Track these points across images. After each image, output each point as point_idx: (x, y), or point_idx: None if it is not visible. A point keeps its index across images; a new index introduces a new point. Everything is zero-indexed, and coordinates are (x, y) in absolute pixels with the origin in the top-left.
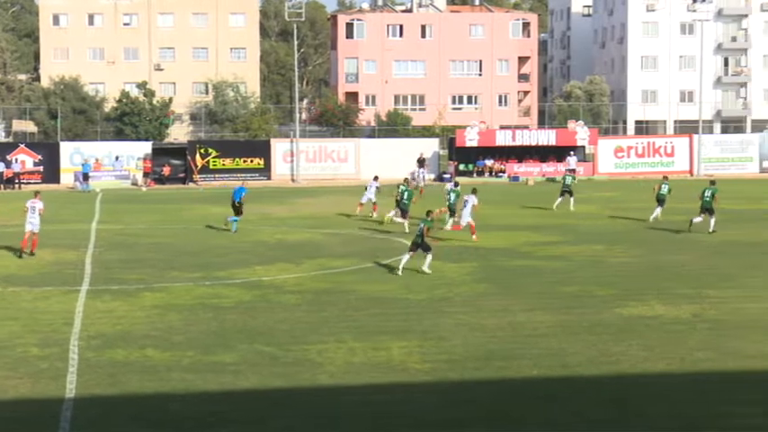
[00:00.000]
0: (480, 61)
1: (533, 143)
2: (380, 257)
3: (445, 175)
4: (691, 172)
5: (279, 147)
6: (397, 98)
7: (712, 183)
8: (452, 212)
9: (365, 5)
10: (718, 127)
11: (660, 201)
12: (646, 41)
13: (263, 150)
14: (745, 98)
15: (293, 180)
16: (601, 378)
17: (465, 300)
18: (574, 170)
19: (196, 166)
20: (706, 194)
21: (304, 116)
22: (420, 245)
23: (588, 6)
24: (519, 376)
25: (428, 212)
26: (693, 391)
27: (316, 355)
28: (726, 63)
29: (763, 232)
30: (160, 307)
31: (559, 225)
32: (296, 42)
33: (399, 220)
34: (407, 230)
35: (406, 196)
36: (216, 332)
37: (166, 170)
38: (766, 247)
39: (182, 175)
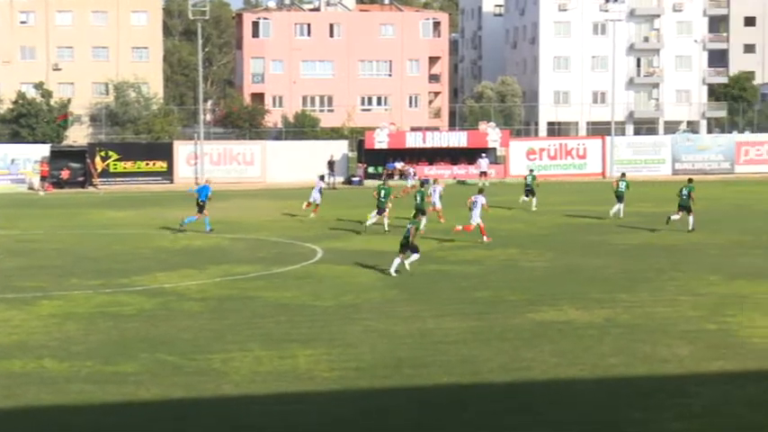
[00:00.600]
0: (390, 61)
1: (444, 145)
2: (287, 263)
3: (354, 179)
4: (603, 174)
5: (182, 149)
6: (304, 99)
7: (690, 181)
8: (422, 213)
9: (271, 4)
10: (630, 128)
11: (619, 197)
12: (558, 42)
13: (166, 153)
14: (658, 99)
15: (197, 183)
16: (512, 385)
17: (374, 306)
18: (485, 173)
19: (96, 170)
20: (683, 192)
21: (208, 118)
22: (408, 246)
23: (499, 6)
24: (429, 384)
25: (415, 214)
26: (606, 397)
27: (220, 364)
28: (638, 64)
29: (676, 235)
30: (58, 316)
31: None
32: (200, 41)
33: (375, 219)
34: (387, 229)
35: (383, 194)
36: (116, 341)
37: (65, 174)
38: (680, 250)
39: (81, 178)
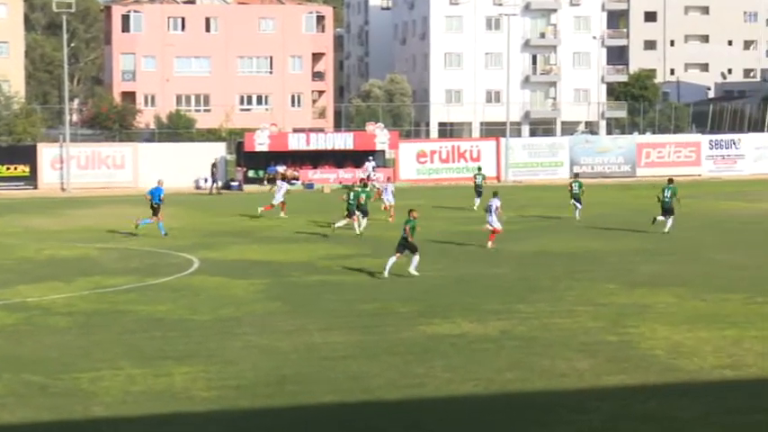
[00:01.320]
0: (271, 58)
1: (329, 147)
2: (161, 275)
3: (233, 183)
4: (498, 178)
5: (46, 152)
6: (179, 98)
7: (670, 181)
8: (352, 214)
9: None
10: (526, 129)
11: (576, 199)
12: (449, 37)
13: (29, 156)
14: (555, 98)
15: (63, 189)
16: (402, 402)
17: (255, 320)
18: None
19: None
20: (666, 195)
21: (75, 118)
22: (406, 246)
23: None
24: (315, 402)
25: (410, 211)
26: (502, 414)
27: (89, 384)
28: (534, 61)
29: (575, 241)
30: None
31: (361, 236)
32: (65, 36)
33: (343, 222)
34: (359, 232)
35: (351, 197)
36: None
37: None
38: (577, 257)
39: None
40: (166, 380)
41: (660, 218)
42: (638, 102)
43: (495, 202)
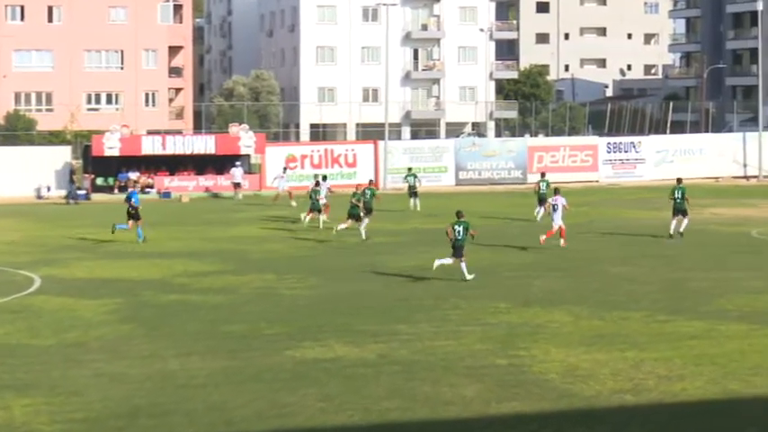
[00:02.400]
0: (122, 51)
1: (188, 152)
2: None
3: (80, 191)
4: (377, 185)
5: None
6: (18, 97)
7: (679, 181)
8: (369, 212)
9: None
10: (407, 131)
11: (542, 200)
12: (321, 29)
13: None
14: (438, 97)
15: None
16: None
17: (105, 344)
18: (239, 184)
19: None
20: (677, 195)
21: None
22: (460, 249)
23: None
24: None
25: (458, 213)
26: None
27: None
28: (415, 56)
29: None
30: None
31: (223, 250)
32: None
33: (344, 225)
34: (365, 237)
35: (356, 199)
36: None
37: None
38: (455, 272)
39: None
40: (4, 414)
41: (674, 224)
42: (530, 101)
43: (561, 200)
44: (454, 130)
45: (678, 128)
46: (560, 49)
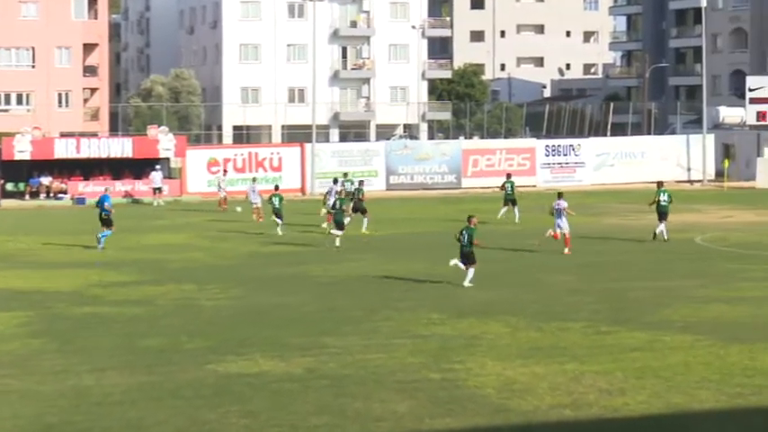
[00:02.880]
0: (33, 49)
1: (104, 155)
2: None
3: None
4: (303, 190)
5: None
6: None
7: (660, 185)
8: (363, 212)
9: None
10: (335, 133)
11: (512, 202)
12: (245, 26)
13: None
14: (368, 98)
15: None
16: None
17: (15, 359)
18: (159, 189)
19: None
20: (662, 199)
21: None
22: (468, 255)
23: None
24: None
25: (470, 218)
26: None
27: None
28: (344, 54)
29: (393, 263)
30: None
31: (141, 260)
32: None
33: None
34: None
35: (338, 205)
36: None
37: None
38: (395, 282)
39: None
40: None
41: (660, 228)
42: (464, 101)
43: (563, 204)
44: (385, 132)
45: (619, 130)
46: (496, 48)
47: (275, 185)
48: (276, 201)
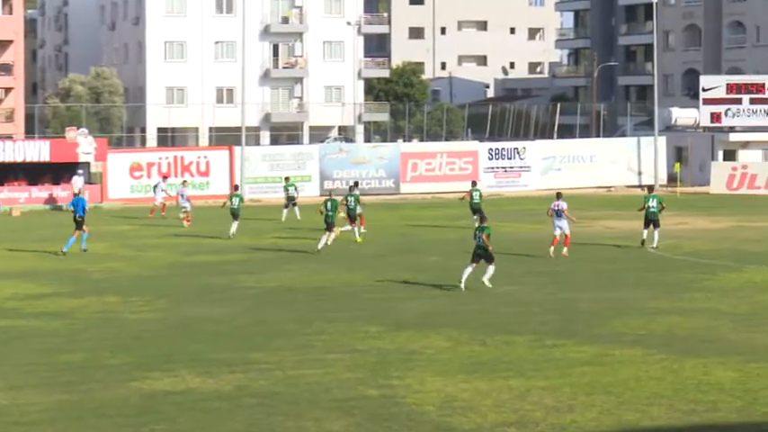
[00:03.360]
0: None
1: (19, 159)
2: None
3: None
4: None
5: None
6: None
7: (651, 189)
8: (331, 227)
9: None
10: (266, 136)
11: (476, 210)
12: (170, 22)
13: None
14: (301, 98)
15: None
16: None
17: None
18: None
19: None
20: (651, 204)
21: None
22: (483, 255)
23: None
24: None
25: (482, 218)
26: None
27: None
28: (275, 52)
29: (326, 273)
30: None
31: (59, 270)
32: None
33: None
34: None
35: (330, 207)
36: None
37: None
38: (329, 293)
39: None
40: None
41: (645, 233)
42: (403, 102)
43: (563, 204)
44: (319, 134)
45: (566, 132)
46: (436, 45)
47: (235, 185)
48: (236, 201)
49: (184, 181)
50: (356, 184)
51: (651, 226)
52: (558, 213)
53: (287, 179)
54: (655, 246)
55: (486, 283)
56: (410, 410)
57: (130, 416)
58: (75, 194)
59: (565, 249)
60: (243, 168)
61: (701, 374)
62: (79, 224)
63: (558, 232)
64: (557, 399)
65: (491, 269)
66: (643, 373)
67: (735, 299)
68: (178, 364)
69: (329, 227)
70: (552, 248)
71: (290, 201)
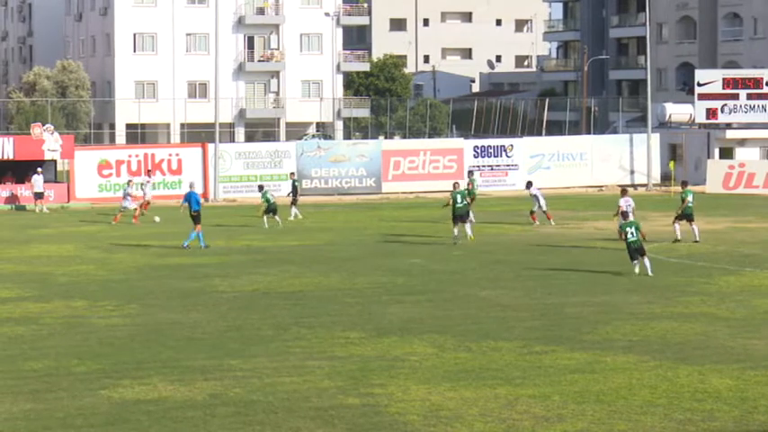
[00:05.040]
0: None
1: None
2: None
3: None
4: (205, 195)
5: None
6: None
7: (685, 184)
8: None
9: None
10: (241, 132)
11: (460, 217)
12: (140, 13)
13: None
14: (278, 93)
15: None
16: None
17: None
18: (41, 194)
19: None
20: (689, 199)
21: None
22: (638, 250)
23: None
24: None
25: (454, 184)
26: None
27: None
28: (251, 44)
29: (304, 277)
30: None
31: (23, 273)
32: None
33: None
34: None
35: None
36: None
37: None
38: (306, 298)
39: None
40: None
41: (678, 229)
42: (384, 97)
43: (631, 203)
44: (296, 131)
45: (555, 129)
46: (419, 38)
47: (470, 171)
48: (270, 197)
49: (129, 180)
50: (471, 172)
51: (686, 220)
52: (536, 197)
53: (292, 174)
54: (697, 239)
55: (650, 273)
56: (393, 420)
57: (99, 426)
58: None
59: (552, 222)
60: (216, 166)
61: (696, 382)
62: (196, 219)
63: (537, 211)
64: (546, 408)
65: (646, 261)
66: (636, 381)
67: (732, 303)
68: (149, 372)
69: (461, 219)
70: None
71: (294, 196)
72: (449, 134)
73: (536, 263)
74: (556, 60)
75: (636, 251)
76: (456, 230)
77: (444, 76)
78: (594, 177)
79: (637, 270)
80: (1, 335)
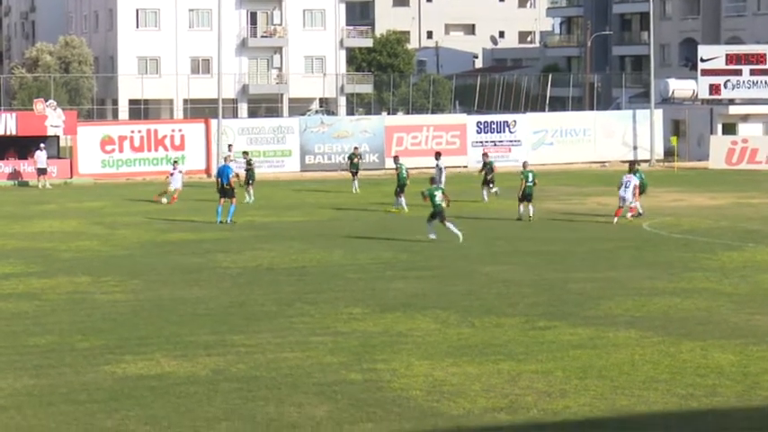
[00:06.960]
0: None
1: None
2: None
3: None
4: (207, 171)
5: None
6: None
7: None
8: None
9: None
10: (244, 108)
11: (437, 214)
12: None
13: None
14: (281, 68)
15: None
16: None
17: None
18: (44, 170)
19: None
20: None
21: None
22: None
23: None
24: None
25: (432, 179)
26: None
27: None
28: (253, 20)
29: (307, 252)
30: None
31: (27, 249)
32: None
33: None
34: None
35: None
36: None
37: None
38: (310, 274)
39: None
40: None
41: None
42: (387, 73)
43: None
44: (299, 107)
45: (558, 104)
46: (422, 13)
47: (395, 156)
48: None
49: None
50: (396, 157)
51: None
52: (627, 185)
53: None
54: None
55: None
56: (396, 396)
57: (102, 401)
58: (224, 161)
59: (629, 215)
60: (219, 142)
61: (699, 358)
62: (227, 192)
63: (631, 204)
64: (548, 383)
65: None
66: (638, 357)
67: (735, 279)
68: (152, 347)
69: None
70: (615, 219)
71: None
72: (452, 110)
73: (539, 239)
74: (559, 36)
75: (437, 215)
76: (433, 234)
77: (447, 52)
78: (597, 153)
79: (433, 236)
80: (4, 310)
